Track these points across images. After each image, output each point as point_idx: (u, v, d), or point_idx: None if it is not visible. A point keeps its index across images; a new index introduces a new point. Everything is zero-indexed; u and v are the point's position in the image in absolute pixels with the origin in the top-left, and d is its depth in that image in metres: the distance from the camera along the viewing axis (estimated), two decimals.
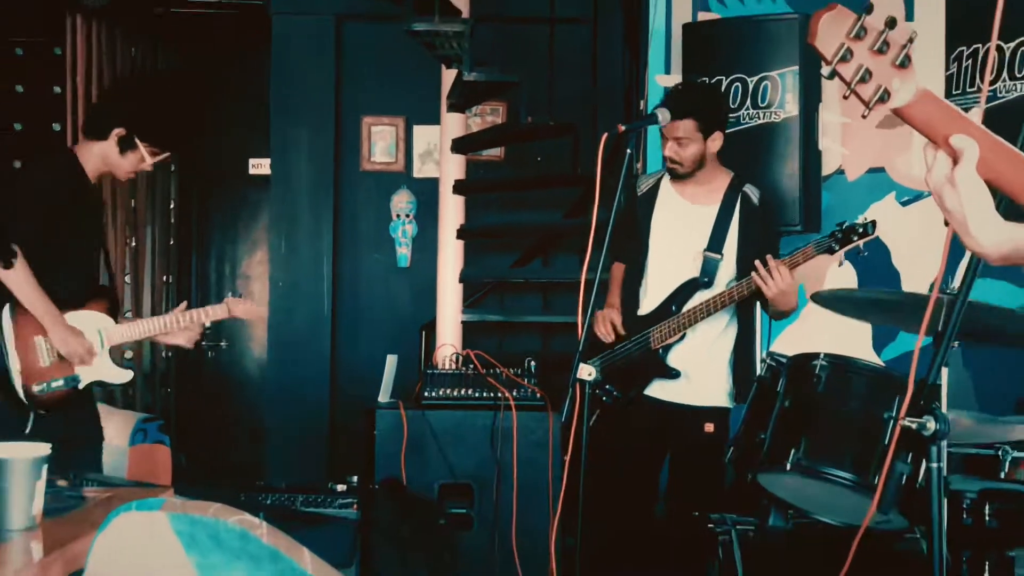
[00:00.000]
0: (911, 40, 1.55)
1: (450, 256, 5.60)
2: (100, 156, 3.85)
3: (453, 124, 5.66)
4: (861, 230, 3.60)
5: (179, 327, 4.07)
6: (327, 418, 6.40)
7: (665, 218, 4.07)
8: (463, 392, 4.79)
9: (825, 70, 1.56)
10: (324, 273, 6.49)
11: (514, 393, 4.70)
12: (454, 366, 5.04)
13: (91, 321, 3.84)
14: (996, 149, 1.57)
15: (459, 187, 5.60)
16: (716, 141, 3.97)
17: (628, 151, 3.59)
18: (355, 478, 4.53)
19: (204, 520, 1.41)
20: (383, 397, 4.89)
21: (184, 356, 7.91)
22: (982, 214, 1.56)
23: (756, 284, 3.71)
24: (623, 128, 3.61)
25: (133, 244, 7.11)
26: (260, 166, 7.28)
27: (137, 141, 3.81)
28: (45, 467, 1.74)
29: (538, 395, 4.72)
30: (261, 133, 6.67)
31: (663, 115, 3.73)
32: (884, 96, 1.54)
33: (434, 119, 5.83)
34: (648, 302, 4.05)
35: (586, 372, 3.39)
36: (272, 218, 6.58)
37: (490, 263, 6.23)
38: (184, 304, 4.20)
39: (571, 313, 3.51)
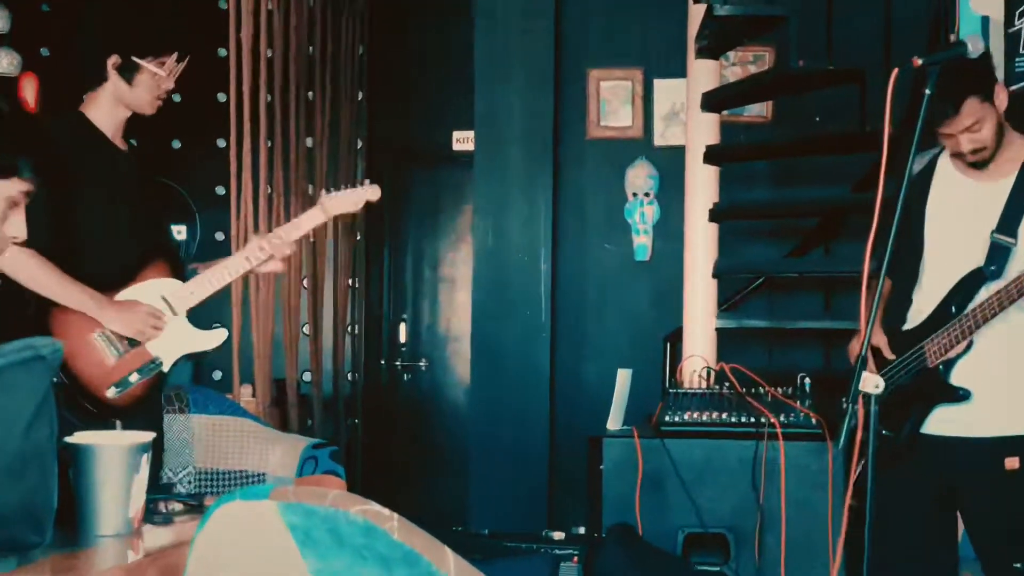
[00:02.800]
0: None
1: (700, 245, 5.56)
2: (110, 102, 4.00)
3: (703, 74, 5.62)
4: None
5: (262, 257, 4.17)
6: (545, 450, 6.46)
7: (943, 202, 3.89)
8: (715, 416, 4.76)
9: None
10: (541, 270, 6.55)
11: (782, 418, 4.63)
12: (704, 384, 5.01)
13: (152, 290, 3.98)
14: None
15: (711, 155, 5.55)
16: (1000, 97, 3.76)
17: (926, 92, 3.47)
18: (581, 529, 4.53)
19: (320, 511, 1.43)
20: (613, 423, 4.91)
21: (375, 379, 8.13)
22: None
23: None
24: (920, 61, 3.49)
25: (311, 239, 7.31)
26: (466, 140, 7.39)
27: (137, 60, 3.94)
28: (145, 458, 1.78)
29: (813, 420, 4.64)
30: (467, 100, 6.78)
31: (974, 43, 3.59)
32: None
33: (680, 71, 5.82)
34: (920, 309, 3.89)
35: (872, 384, 3.30)
36: (476, 202, 6.69)
37: (753, 253, 6.19)
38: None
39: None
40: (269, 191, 7.16)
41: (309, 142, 7.57)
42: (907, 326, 3.87)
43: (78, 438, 1.76)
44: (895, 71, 3.41)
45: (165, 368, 3.96)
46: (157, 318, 3.93)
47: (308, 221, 4.27)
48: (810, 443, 4.57)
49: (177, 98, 8.03)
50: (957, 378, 3.74)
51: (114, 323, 3.85)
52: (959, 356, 3.73)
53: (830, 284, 6.25)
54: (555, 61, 6.61)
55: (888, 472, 3.73)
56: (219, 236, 7.48)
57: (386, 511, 1.41)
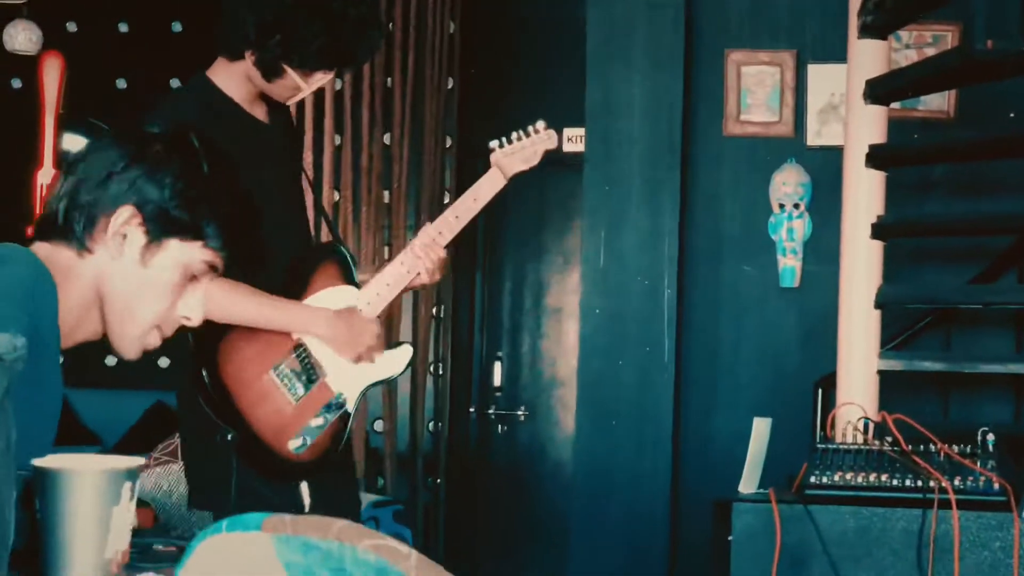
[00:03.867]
0: None
1: (861, 268, 5.50)
2: (242, 76, 3.98)
3: (868, 58, 5.56)
4: None
5: (404, 281, 4.10)
6: (665, 518, 6.45)
7: None
8: (873, 479, 4.73)
9: None
10: (663, 297, 6.54)
11: (956, 482, 4.58)
12: (861, 439, 4.97)
13: (336, 301, 3.95)
14: None
15: (876, 156, 5.50)
16: None
17: None
18: None
19: (323, 546, 1.43)
20: (746, 485, 4.90)
21: (462, 431, 8.16)
22: None
23: None
24: None
25: (386, 253, 7.37)
26: (579, 139, 7.42)
27: (284, 67, 3.91)
28: (128, 487, 1.78)
29: (996, 486, 4.58)
30: (581, 90, 6.80)
31: None
32: None
33: (840, 54, 5.78)
34: None
35: None
36: (586, 214, 6.70)
37: (928, 279, 6.14)
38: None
39: None
40: (336, 197, 7.25)
41: (387, 139, 7.65)
42: None
43: (46, 461, 1.77)
44: None
45: (350, 406, 3.92)
46: (380, 333, 3.93)
47: (489, 187, 4.22)
48: (992, 513, 4.52)
49: None
50: None
51: (336, 342, 3.83)
52: None
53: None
54: (686, 40, 6.61)
55: None
56: None
57: (404, 548, 1.41)
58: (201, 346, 3.78)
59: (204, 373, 3.76)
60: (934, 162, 6.05)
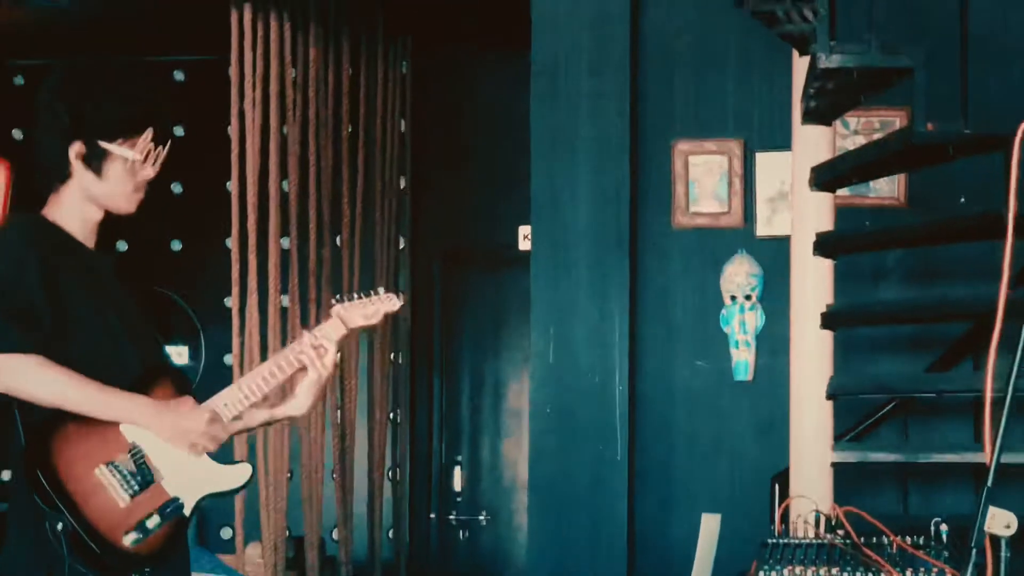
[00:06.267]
0: None
1: (811, 358, 5.52)
2: (79, 199, 4.03)
3: (812, 144, 5.62)
4: None
5: (273, 381, 4.17)
6: None
7: None
8: (824, 573, 4.70)
9: None
10: (615, 393, 6.55)
11: (909, 575, 4.56)
12: (814, 534, 4.96)
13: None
14: None
15: (823, 244, 5.52)
16: None
17: None
18: None
19: None
20: None
21: (423, 537, 8.13)
22: None
23: None
24: None
25: (337, 358, 7.37)
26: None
27: (105, 146, 3.97)
28: None
29: None
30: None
31: None
32: None
33: (788, 142, 5.83)
34: None
35: (1002, 523, 3.28)
36: (535, 310, 6.74)
37: (882, 369, 6.14)
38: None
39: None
40: (283, 302, 7.25)
41: (337, 241, 7.67)
42: None
43: None
44: (1021, 128, 3.41)
45: (186, 511, 3.94)
46: (222, 427, 3.98)
47: (333, 330, 4.27)
48: None
49: (178, 189, 8.33)
50: None
51: (172, 434, 3.88)
52: None
53: (981, 407, 6.16)
54: (631, 131, 6.67)
55: None
56: (228, 360, 7.55)
57: None
58: (35, 440, 3.81)
59: (37, 469, 3.78)
60: (884, 248, 6.08)
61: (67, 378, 3.78)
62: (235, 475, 4.07)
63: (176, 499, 3.91)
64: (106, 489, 3.83)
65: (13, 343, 3.77)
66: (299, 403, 4.25)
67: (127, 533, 3.81)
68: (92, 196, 4.03)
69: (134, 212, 4.09)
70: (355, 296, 4.40)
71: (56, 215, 4.04)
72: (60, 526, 3.74)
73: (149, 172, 4.06)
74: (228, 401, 4.07)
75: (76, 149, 3.99)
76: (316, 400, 4.32)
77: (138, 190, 4.07)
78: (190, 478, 3.95)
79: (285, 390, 4.24)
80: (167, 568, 3.97)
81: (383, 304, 4.39)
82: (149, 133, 4.05)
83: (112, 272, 4.19)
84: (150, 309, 4.58)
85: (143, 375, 4.01)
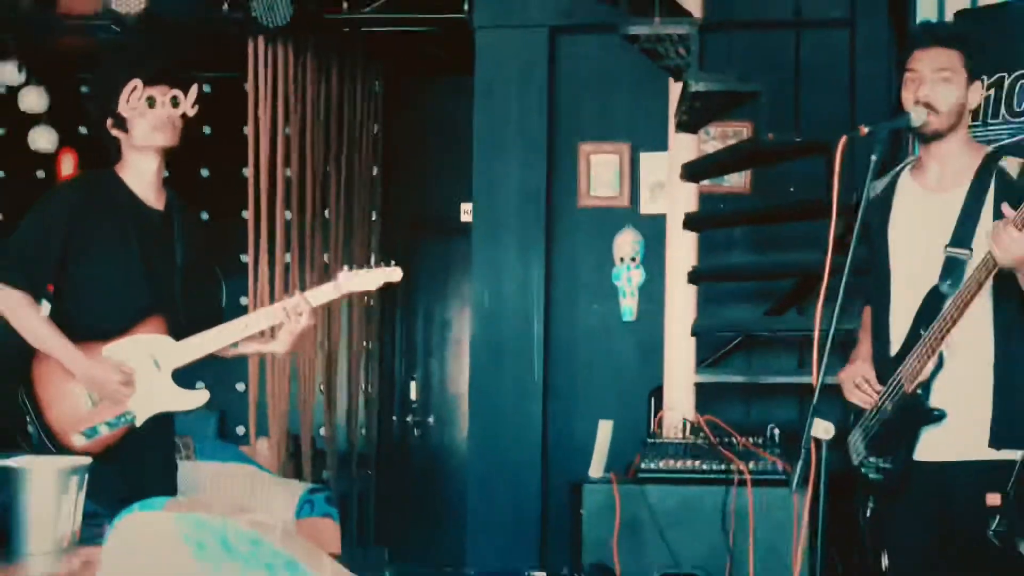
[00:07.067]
0: None
1: (680, 305, 5.55)
2: (128, 155, 3.90)
3: (683, 146, 5.63)
4: None
5: (264, 324, 4.00)
6: (538, 497, 6.43)
7: (904, 220, 3.69)
8: (689, 464, 4.73)
9: None
10: (534, 330, 6.54)
11: (751, 466, 4.61)
12: (682, 435, 4.98)
13: (141, 347, 3.84)
14: None
15: (691, 221, 5.55)
16: (976, 93, 3.67)
17: (873, 157, 3.48)
18: (564, 569, 4.51)
19: (211, 522, 1.42)
20: (594, 471, 4.89)
21: (388, 433, 8.12)
22: None
23: (992, 255, 3.37)
24: (866, 130, 3.49)
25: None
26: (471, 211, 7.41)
27: (148, 93, 3.84)
28: (75, 481, 1.77)
29: (780, 468, 4.60)
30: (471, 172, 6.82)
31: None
32: None
33: (662, 143, 5.83)
34: (897, 335, 3.65)
35: (822, 429, 3.28)
36: (475, 269, 6.71)
37: (732, 313, 6.17)
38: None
39: (833, 371, 3.45)
40: (288, 259, 7.21)
41: (326, 214, 7.62)
42: (892, 352, 3.63)
43: (8, 461, 1.75)
44: (843, 139, 3.41)
45: (138, 422, 3.78)
46: (126, 383, 3.79)
47: (318, 296, 4.04)
48: (777, 489, 4.54)
49: (205, 173, 8.25)
50: (935, 399, 3.51)
51: (82, 379, 3.74)
52: (932, 377, 3.49)
53: (805, 342, 6.19)
54: (548, 136, 6.64)
55: (894, 504, 3.62)
56: (243, 301, 7.49)
57: (270, 521, 1.41)
58: (23, 354, 3.77)
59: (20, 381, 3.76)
60: (734, 225, 6.10)
61: (33, 320, 3.72)
62: (192, 399, 3.91)
63: (129, 412, 3.77)
64: (72, 400, 3.74)
65: (14, 280, 3.74)
66: (279, 344, 4.01)
67: (77, 435, 3.70)
68: (130, 147, 3.88)
69: (172, 144, 3.89)
70: (364, 265, 4.14)
71: (122, 173, 3.90)
72: (30, 427, 3.70)
73: (167, 107, 3.86)
74: (184, 351, 3.89)
75: (109, 123, 3.87)
76: (296, 342, 4.03)
77: (161, 127, 3.84)
78: (149, 397, 3.80)
79: (275, 331, 4.02)
80: (118, 463, 3.72)
81: (387, 274, 4.11)
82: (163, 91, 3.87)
83: (161, 222, 3.98)
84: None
85: (137, 313, 3.85)
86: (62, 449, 3.66)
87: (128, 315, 3.86)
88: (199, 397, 3.93)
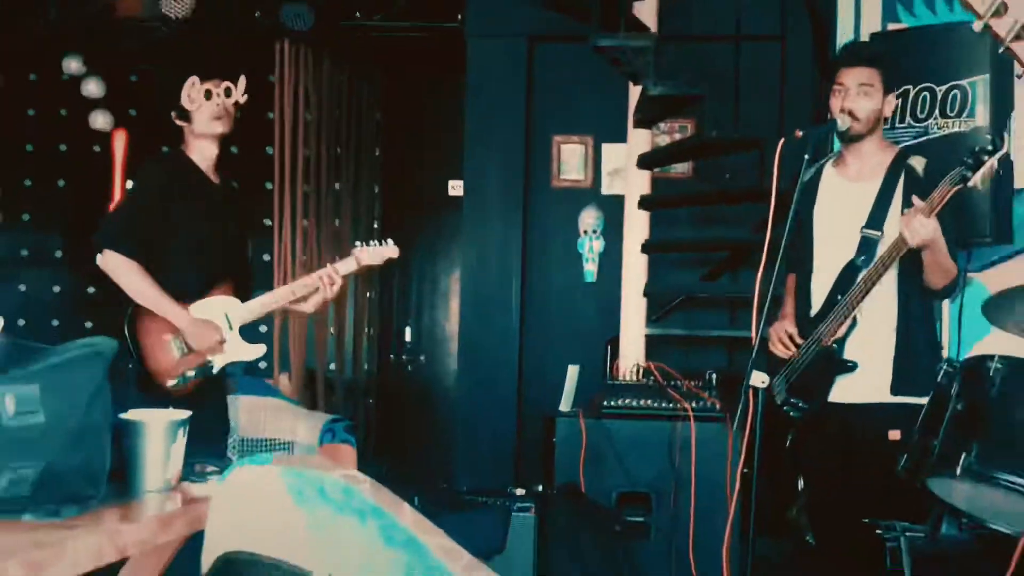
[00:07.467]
0: None
1: (634, 271, 5.55)
2: (192, 141, 3.87)
3: (639, 140, 5.62)
4: (991, 148, 3.32)
5: (305, 291, 4.03)
6: (514, 426, 6.45)
7: (828, 204, 3.78)
8: (643, 403, 4.74)
9: (977, 25, 1.46)
10: (513, 288, 6.55)
11: (693, 405, 4.62)
12: (635, 378, 4.99)
13: (217, 306, 3.85)
14: None
15: (644, 202, 5.55)
16: (889, 105, 3.73)
17: (805, 156, 3.49)
18: (539, 486, 4.52)
19: (312, 474, 1.41)
20: (564, 406, 4.89)
21: (386, 368, 8.11)
22: None
23: (902, 237, 3.43)
24: (800, 133, 3.51)
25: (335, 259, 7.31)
26: (458, 188, 7.39)
27: (205, 87, 3.81)
28: (182, 431, 1.77)
29: (717, 407, 4.63)
30: (460, 156, 6.79)
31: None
32: None
33: (622, 137, 5.81)
34: (817, 299, 3.76)
35: (759, 379, 3.30)
36: (465, 236, 6.68)
37: (676, 279, 6.16)
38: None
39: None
40: (305, 224, 7.17)
41: (337, 187, 7.57)
42: (812, 313, 3.74)
43: (129, 415, 1.74)
44: (781, 141, 3.43)
45: (215, 371, 3.82)
46: (222, 342, 3.81)
47: (344, 267, 4.09)
48: (714, 424, 4.57)
49: (234, 150, 8.16)
50: (848, 352, 3.62)
51: (191, 338, 3.74)
52: (847, 334, 3.61)
53: (735, 303, 6.23)
54: (526, 127, 6.60)
55: (810, 437, 3.73)
56: (266, 257, 7.45)
57: (360, 475, 1.41)
58: (134, 312, 3.73)
59: (126, 328, 3.72)
60: (680, 206, 6.08)
61: (143, 284, 3.68)
62: (253, 351, 3.92)
63: (209, 362, 3.78)
64: (167, 349, 3.74)
65: (124, 248, 3.69)
66: (309, 305, 4.09)
67: (171, 380, 3.71)
68: (193, 134, 3.85)
69: (227, 131, 3.87)
70: (372, 244, 4.20)
71: (189, 152, 3.87)
72: (130, 366, 3.70)
73: (222, 99, 3.82)
74: (247, 314, 3.91)
75: (173, 114, 3.85)
76: (320, 306, 4.14)
77: (219, 117, 3.81)
78: (224, 351, 3.82)
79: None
80: (206, 402, 3.76)
81: (388, 251, 4.22)
82: (216, 83, 3.85)
83: (222, 198, 3.98)
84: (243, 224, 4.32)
85: (213, 277, 3.86)
86: (155, 389, 3.68)
87: (204, 279, 3.86)
88: (258, 349, 3.95)
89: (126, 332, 3.70)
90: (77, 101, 7.63)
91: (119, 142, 7.72)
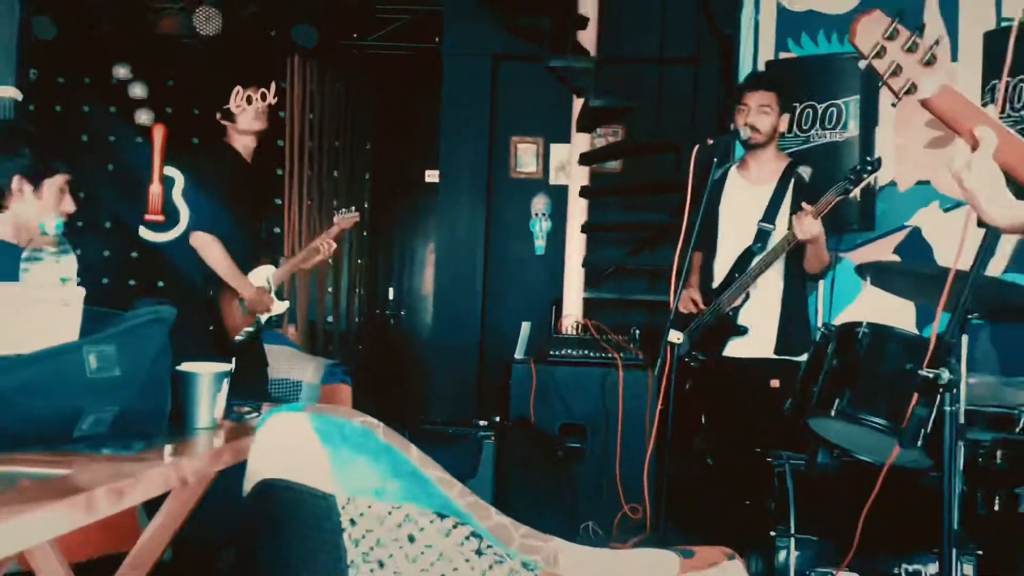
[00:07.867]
0: (936, 43, 1.47)
1: (575, 247, 5.57)
2: (236, 136, 3.81)
3: (581, 142, 5.62)
4: (870, 167, 3.38)
5: (314, 255, 4.11)
6: (476, 370, 6.46)
7: (731, 200, 3.83)
8: (581, 353, 4.75)
9: (862, 63, 1.49)
10: (477, 257, 6.54)
11: (621, 355, 4.64)
12: (575, 332, 5.01)
13: (263, 273, 3.89)
14: (1010, 142, 1.47)
15: (584, 192, 5.56)
16: (784, 121, 3.78)
17: (715, 159, 3.51)
18: (497, 418, 4.54)
19: (335, 419, 1.42)
20: (518, 354, 4.89)
21: (373, 321, 8.10)
22: (993, 192, 1.47)
23: (793, 231, 3.48)
24: (711, 141, 3.53)
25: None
26: (434, 176, 7.35)
27: (247, 93, 3.74)
28: (226, 380, 1.77)
29: (640, 357, 4.65)
30: (436, 151, 6.72)
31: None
32: (911, 89, 1.46)
33: (567, 139, 5.81)
34: (719, 274, 3.82)
35: (675, 337, 3.32)
36: (439, 215, 6.64)
37: (608, 253, 6.17)
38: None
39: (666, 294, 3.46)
40: (309, 203, 7.12)
41: (335, 174, 7.52)
42: (713, 285, 3.80)
43: (184, 367, 1.74)
44: (696, 147, 3.45)
45: (263, 326, 3.89)
46: (271, 302, 3.84)
47: (332, 233, 4.18)
48: (638, 371, 4.59)
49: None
50: (741, 319, 3.68)
51: (255, 304, 3.75)
52: (742, 304, 3.68)
53: (654, 273, 6.24)
54: (490, 129, 6.57)
55: (707, 384, 3.77)
56: (277, 230, 7.40)
57: (375, 421, 1.42)
58: (216, 289, 3.73)
59: (217, 301, 3.74)
60: (611, 195, 6.08)
61: (220, 255, 3.65)
62: (282, 307, 3.96)
63: (258, 319, 3.82)
64: (234, 312, 3.76)
65: (208, 225, 3.65)
66: (308, 266, 4.21)
67: (237, 336, 3.75)
68: (235, 131, 3.77)
69: (265, 127, 3.81)
70: (344, 212, 4.30)
71: (232, 143, 3.80)
72: (211, 327, 3.71)
73: (257, 107, 3.76)
74: (281, 276, 3.97)
75: (218, 115, 3.77)
76: (320, 264, 4.23)
77: (258, 117, 3.75)
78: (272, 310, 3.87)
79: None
80: (252, 352, 3.85)
81: (353, 217, 4.32)
82: (255, 90, 3.76)
83: (261, 182, 3.99)
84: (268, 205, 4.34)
85: (257, 250, 3.87)
86: (229, 342, 3.71)
87: (251, 247, 3.85)
88: (284, 305, 4.00)
89: (217, 304, 3.71)
90: (124, 101, 7.49)
91: (158, 135, 7.59)
